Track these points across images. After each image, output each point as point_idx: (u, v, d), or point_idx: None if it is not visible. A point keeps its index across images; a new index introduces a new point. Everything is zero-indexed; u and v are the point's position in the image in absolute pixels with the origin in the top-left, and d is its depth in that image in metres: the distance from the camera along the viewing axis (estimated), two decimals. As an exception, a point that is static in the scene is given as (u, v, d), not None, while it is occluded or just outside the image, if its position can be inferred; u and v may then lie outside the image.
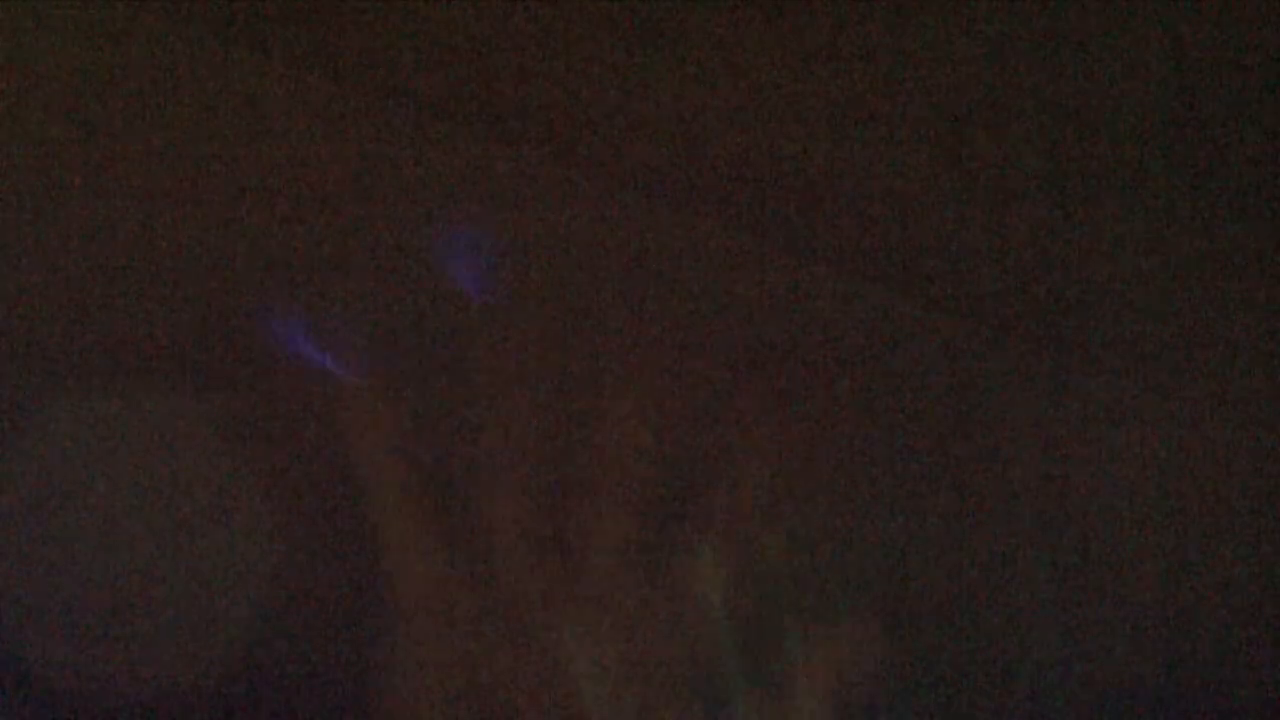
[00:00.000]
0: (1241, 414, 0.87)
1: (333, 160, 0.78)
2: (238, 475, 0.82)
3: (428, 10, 0.74)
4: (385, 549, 0.69)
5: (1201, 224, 0.83)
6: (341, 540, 0.84)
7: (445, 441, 0.71)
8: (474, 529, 0.68)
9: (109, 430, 0.81)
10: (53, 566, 0.82)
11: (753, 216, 0.83)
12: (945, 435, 0.88)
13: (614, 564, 0.67)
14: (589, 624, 0.66)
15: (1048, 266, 0.85)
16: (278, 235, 0.80)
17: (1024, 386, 0.88)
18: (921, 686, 0.89)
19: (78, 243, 0.78)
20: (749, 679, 0.66)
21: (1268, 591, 0.87)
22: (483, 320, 0.71)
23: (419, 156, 0.78)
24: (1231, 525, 0.87)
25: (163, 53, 0.74)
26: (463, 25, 0.75)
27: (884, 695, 0.69)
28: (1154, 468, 0.88)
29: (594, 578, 0.67)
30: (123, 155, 0.76)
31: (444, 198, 0.80)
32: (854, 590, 0.81)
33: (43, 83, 0.74)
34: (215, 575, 0.83)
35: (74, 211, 0.78)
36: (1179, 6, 0.75)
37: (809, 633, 0.67)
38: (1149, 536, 0.88)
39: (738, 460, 0.67)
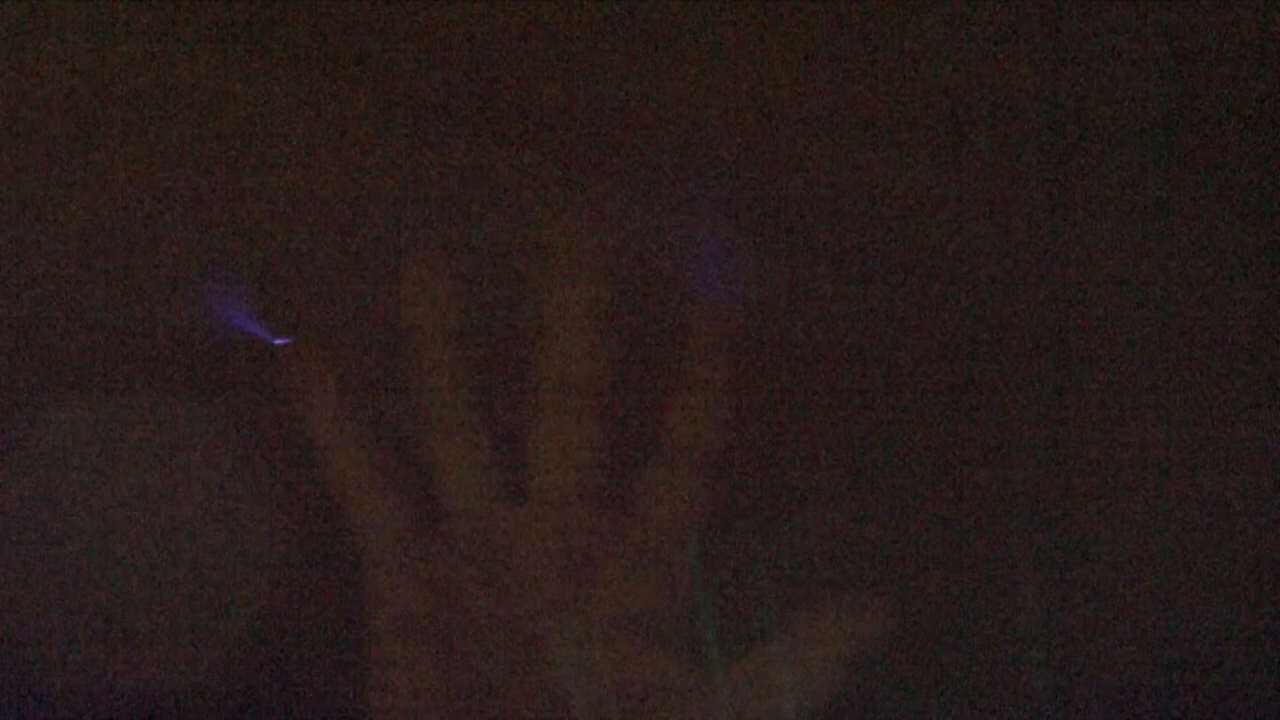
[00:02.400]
0: (1241, 414, 0.86)
1: (333, 160, 0.78)
2: (238, 475, 0.82)
3: (428, 10, 0.74)
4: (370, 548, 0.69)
5: (1201, 224, 0.83)
6: (342, 540, 0.84)
7: (448, 439, 0.71)
8: (482, 537, 0.67)
9: (109, 431, 0.81)
10: (53, 566, 0.82)
11: (753, 217, 0.83)
12: (945, 435, 0.87)
13: (614, 563, 0.67)
14: (584, 627, 0.66)
15: (1048, 266, 0.85)
16: (278, 235, 0.80)
17: (1024, 386, 0.88)
18: (920, 686, 0.89)
19: (78, 243, 0.78)
20: (748, 679, 0.66)
21: (1268, 591, 0.87)
22: (483, 321, 0.71)
23: (419, 156, 0.78)
24: (1231, 525, 0.87)
25: (163, 53, 0.74)
26: (463, 25, 0.75)
27: (883, 694, 0.69)
28: (1154, 468, 0.88)
29: (594, 576, 0.67)
30: (123, 155, 0.76)
31: (444, 198, 0.80)
32: (853, 590, 0.81)
33: (43, 83, 0.74)
34: (215, 575, 0.83)
35: (74, 211, 0.77)
36: (1179, 6, 0.75)
37: (808, 630, 0.67)
38: (1149, 536, 0.88)
39: (737, 460, 0.67)
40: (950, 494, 0.88)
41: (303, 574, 0.84)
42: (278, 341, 0.69)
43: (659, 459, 0.67)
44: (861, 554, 0.80)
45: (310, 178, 0.78)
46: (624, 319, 0.68)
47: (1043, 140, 0.81)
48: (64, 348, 0.80)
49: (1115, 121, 0.80)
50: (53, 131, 0.75)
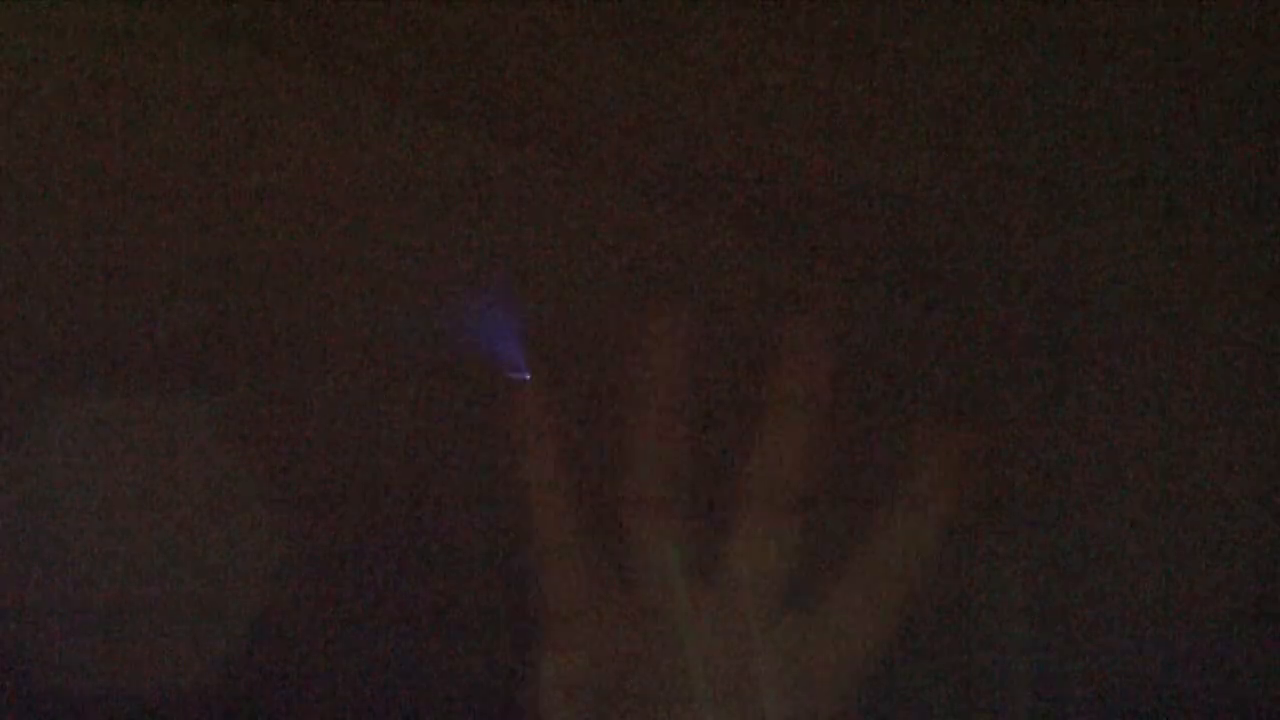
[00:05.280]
0: (1241, 414, 0.87)
1: (333, 160, 0.78)
2: (238, 475, 0.82)
3: (428, 10, 0.74)
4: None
5: (1201, 224, 0.83)
6: (342, 541, 0.84)
7: (445, 441, 0.71)
8: (666, 616, 0.67)
9: (109, 430, 0.81)
10: (53, 566, 0.82)
11: (753, 216, 0.83)
12: (945, 435, 0.87)
13: (611, 562, 0.67)
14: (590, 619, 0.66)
15: (1048, 266, 0.85)
16: (278, 235, 0.80)
17: (1024, 386, 0.88)
18: (921, 686, 0.89)
19: (78, 243, 0.78)
20: (736, 669, 0.66)
21: (1268, 591, 0.87)
22: (485, 322, 0.71)
23: (419, 156, 0.79)
24: (1231, 525, 0.87)
25: (163, 53, 0.74)
26: (463, 25, 0.75)
27: (883, 695, 0.69)
28: (1154, 468, 0.88)
29: (591, 574, 0.67)
30: (123, 155, 0.76)
31: (444, 198, 0.80)
32: (853, 590, 0.81)
33: (43, 83, 0.74)
34: (215, 575, 0.84)
35: (74, 211, 0.78)
36: (1179, 6, 0.75)
37: (807, 631, 0.67)
38: (1149, 536, 0.88)
39: (737, 460, 0.67)
40: (950, 494, 0.88)
41: (303, 574, 0.84)
42: (521, 376, 0.69)
43: (701, 535, 0.67)
44: (862, 553, 0.80)
45: (311, 177, 0.79)
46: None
47: (1043, 140, 0.81)
48: (64, 348, 0.80)
49: (1115, 121, 0.80)
50: (53, 131, 0.75)
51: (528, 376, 0.67)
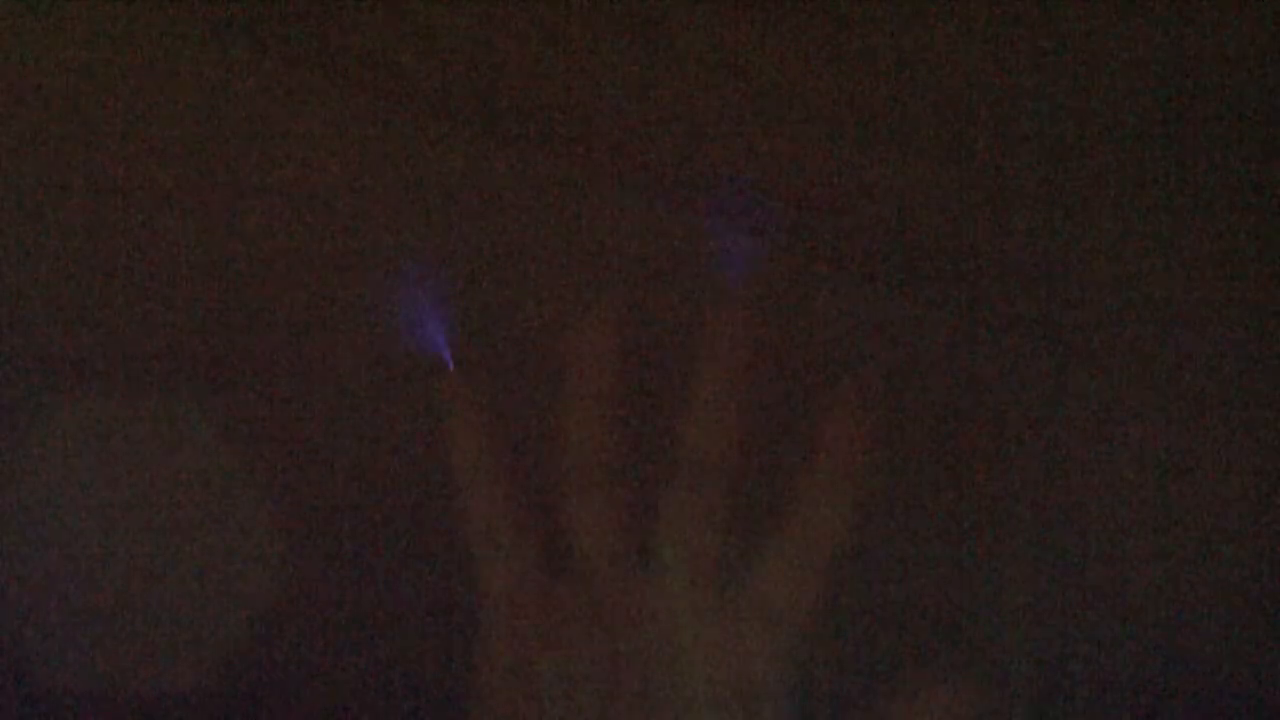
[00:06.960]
0: (1241, 414, 0.87)
1: (333, 160, 0.78)
2: (238, 475, 0.82)
3: (428, 10, 0.74)
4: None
5: (1201, 224, 0.83)
6: (342, 540, 0.84)
7: (441, 443, 0.71)
8: (604, 599, 0.67)
9: (109, 430, 0.81)
10: (53, 566, 0.82)
11: (753, 217, 0.83)
12: (945, 435, 0.87)
13: (604, 563, 0.67)
14: (689, 699, 0.66)
15: (1048, 266, 0.85)
16: (278, 235, 0.80)
17: (1024, 386, 0.88)
18: (920, 686, 0.89)
19: (78, 243, 0.78)
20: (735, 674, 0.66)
21: (1268, 591, 0.87)
22: (484, 323, 0.71)
23: (419, 156, 0.79)
24: (1231, 525, 0.87)
25: (163, 53, 0.74)
26: (463, 25, 0.75)
27: (882, 695, 0.69)
28: (1153, 468, 0.88)
29: (708, 652, 0.67)
30: (123, 155, 0.76)
31: (444, 198, 0.80)
32: (852, 590, 0.81)
33: (43, 83, 0.74)
34: (215, 575, 0.84)
35: (74, 211, 0.78)
36: (1179, 6, 0.75)
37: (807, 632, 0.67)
38: (1149, 536, 0.88)
39: (736, 460, 0.67)
40: (950, 494, 0.88)
41: (303, 574, 0.84)
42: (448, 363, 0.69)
43: (699, 536, 0.67)
44: (862, 553, 0.80)
45: (311, 177, 0.79)
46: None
47: (1043, 140, 0.81)
48: (64, 348, 0.80)
49: (1115, 121, 0.80)
50: (53, 131, 0.75)
51: (450, 365, 0.67)
